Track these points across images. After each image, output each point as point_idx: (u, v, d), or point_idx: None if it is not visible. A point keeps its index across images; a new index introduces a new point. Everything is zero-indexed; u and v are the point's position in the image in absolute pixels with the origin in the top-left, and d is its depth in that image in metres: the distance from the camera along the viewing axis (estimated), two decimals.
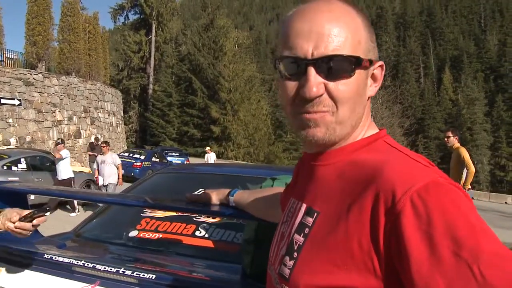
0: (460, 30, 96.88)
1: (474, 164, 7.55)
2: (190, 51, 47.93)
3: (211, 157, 19.95)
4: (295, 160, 48.96)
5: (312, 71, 0.80)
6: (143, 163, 19.76)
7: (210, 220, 2.19)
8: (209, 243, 2.06)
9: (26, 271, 1.61)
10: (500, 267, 0.63)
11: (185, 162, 24.27)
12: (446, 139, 7.74)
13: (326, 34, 0.80)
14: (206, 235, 2.10)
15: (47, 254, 1.63)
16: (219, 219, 2.18)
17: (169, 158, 23.93)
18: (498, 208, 16.58)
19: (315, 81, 0.80)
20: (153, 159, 20.88)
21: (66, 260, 1.59)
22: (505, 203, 20.31)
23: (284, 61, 0.84)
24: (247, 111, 46.19)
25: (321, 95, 0.81)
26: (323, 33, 0.80)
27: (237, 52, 48.66)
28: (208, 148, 21.58)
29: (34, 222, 1.44)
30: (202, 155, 42.08)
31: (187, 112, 45.77)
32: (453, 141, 7.62)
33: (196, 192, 2.24)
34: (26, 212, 1.45)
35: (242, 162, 38.51)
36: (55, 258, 1.60)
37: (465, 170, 7.36)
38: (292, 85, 0.84)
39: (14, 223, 1.42)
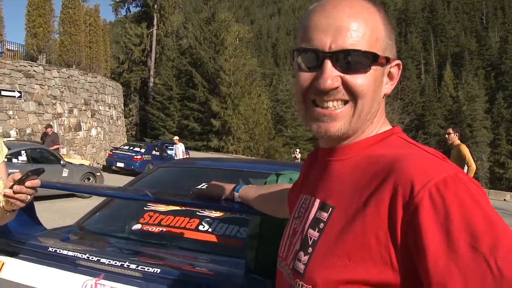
0: (461, 26, 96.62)
1: (474, 161, 7.56)
2: (191, 45, 47.41)
3: (179, 148, 19.27)
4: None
5: (328, 63, 0.81)
6: (143, 156, 19.78)
7: (214, 214, 2.19)
8: (213, 238, 2.06)
9: (30, 264, 1.60)
10: None
11: (186, 156, 24.25)
12: (446, 135, 7.73)
13: (345, 29, 0.81)
14: (210, 230, 2.10)
15: (51, 247, 1.63)
16: (222, 213, 2.18)
17: (169, 152, 23.63)
18: (497, 205, 16.59)
19: (331, 73, 0.81)
20: (153, 152, 20.87)
21: (70, 253, 1.58)
22: (504, 200, 20.34)
23: (301, 52, 0.85)
24: (248, 106, 45.90)
25: (337, 87, 0.82)
26: (342, 27, 0.81)
27: (238, 46, 48.25)
28: (176, 138, 20.71)
29: (27, 184, 1.40)
30: (202, 149, 42.20)
31: (188, 105, 45.47)
32: (454, 137, 7.62)
33: (199, 187, 2.27)
34: (19, 177, 1.42)
35: (243, 156, 38.49)
36: (59, 251, 1.59)
37: (466, 167, 7.36)
38: (307, 76, 0.85)
39: (11, 189, 1.39)
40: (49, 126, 15.40)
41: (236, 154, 41.75)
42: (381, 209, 0.74)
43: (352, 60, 0.81)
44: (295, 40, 0.92)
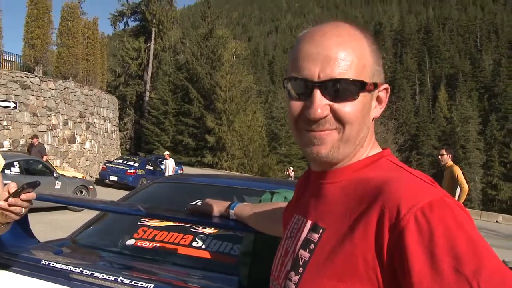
0: (456, 48, 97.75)
1: (467, 182, 7.59)
2: (188, 60, 47.49)
3: (169, 164, 18.99)
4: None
5: (317, 93, 0.83)
6: (137, 170, 19.76)
7: (208, 231, 2.21)
8: (206, 254, 2.08)
9: (23, 276, 1.59)
10: (499, 285, 0.65)
11: (179, 171, 24.08)
12: (439, 156, 7.74)
13: (333, 58, 0.83)
14: (203, 246, 2.12)
15: (44, 260, 1.63)
16: (216, 230, 2.20)
17: (163, 167, 23.45)
18: (490, 226, 16.62)
19: (320, 103, 0.83)
20: (147, 167, 20.91)
21: (63, 266, 1.59)
22: (496, 221, 20.34)
23: (292, 81, 0.87)
24: (243, 122, 45.69)
25: (326, 116, 0.84)
26: (330, 56, 0.83)
27: (235, 62, 48.42)
28: (167, 153, 20.41)
29: (22, 197, 1.38)
30: (196, 164, 42.00)
31: (183, 121, 45.39)
32: (447, 159, 7.63)
33: (194, 203, 2.31)
34: (14, 189, 1.39)
35: (237, 173, 38.29)
36: (53, 264, 1.59)
37: (458, 189, 7.38)
38: (298, 105, 0.87)
39: (6, 201, 1.37)
40: (35, 136, 15.04)
41: (230, 170, 41.35)
42: (369, 232, 0.76)
43: (341, 89, 0.83)
44: (286, 67, 0.95)
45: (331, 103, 0.84)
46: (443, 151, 7.75)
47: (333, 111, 0.84)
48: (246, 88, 48.25)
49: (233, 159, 44.53)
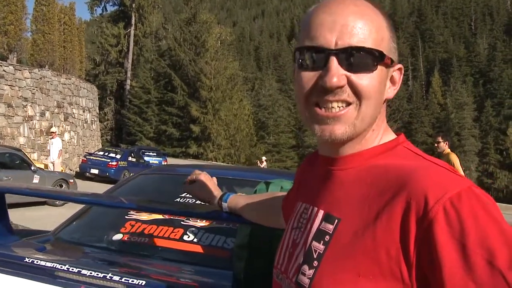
0: (450, 32, 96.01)
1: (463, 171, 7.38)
2: (170, 46, 46.98)
3: (53, 144, 15.23)
4: (277, 163, 47.75)
5: (334, 61, 0.79)
6: (119, 162, 19.27)
7: (199, 224, 2.18)
8: (198, 248, 2.05)
9: (4, 275, 1.53)
10: None
11: (163, 163, 24.16)
12: (436, 144, 7.68)
13: (351, 26, 0.79)
14: (195, 240, 2.09)
15: (27, 257, 1.60)
16: (208, 223, 2.17)
17: (146, 158, 23.54)
18: None
19: (337, 71, 0.79)
20: (130, 158, 20.41)
21: (48, 264, 1.55)
22: None
23: (304, 50, 0.83)
24: (229, 111, 45.44)
25: (343, 86, 0.80)
26: (347, 24, 0.79)
27: (220, 48, 47.78)
28: (53, 129, 16.15)
29: None
30: (181, 155, 40.68)
31: (166, 110, 44.88)
32: (444, 146, 7.55)
33: (183, 195, 2.32)
34: None
35: (224, 164, 37.13)
36: (37, 262, 1.56)
37: None
38: (311, 76, 0.82)
39: None
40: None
41: (216, 161, 40.80)
42: (393, 224, 0.73)
43: (359, 58, 0.79)
44: (295, 38, 0.85)
45: (348, 73, 0.79)
46: (440, 139, 7.68)
47: (350, 83, 0.80)
48: (232, 75, 47.93)
49: (219, 149, 44.39)
